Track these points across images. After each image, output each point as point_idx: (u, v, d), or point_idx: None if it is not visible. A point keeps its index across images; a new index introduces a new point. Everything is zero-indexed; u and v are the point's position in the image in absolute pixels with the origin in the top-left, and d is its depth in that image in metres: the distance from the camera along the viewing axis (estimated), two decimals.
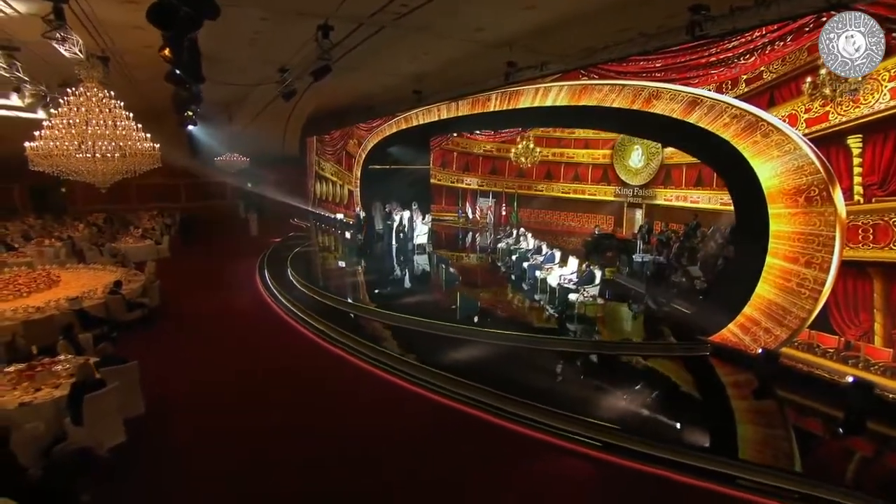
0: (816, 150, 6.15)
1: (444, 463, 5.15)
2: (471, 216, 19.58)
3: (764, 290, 6.85)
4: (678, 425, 5.77)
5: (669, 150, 14.52)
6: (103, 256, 12.85)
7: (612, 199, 16.68)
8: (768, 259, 6.76)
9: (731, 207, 12.32)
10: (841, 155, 5.94)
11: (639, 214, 15.63)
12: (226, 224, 22.09)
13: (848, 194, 5.92)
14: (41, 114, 16.72)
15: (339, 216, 20.28)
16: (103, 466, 4.76)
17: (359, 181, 18.46)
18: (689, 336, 7.86)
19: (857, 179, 5.84)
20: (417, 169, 18.78)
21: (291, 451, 5.29)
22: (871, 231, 5.75)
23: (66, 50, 8.06)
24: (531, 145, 16.81)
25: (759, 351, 6.69)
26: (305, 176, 24.23)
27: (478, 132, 18.20)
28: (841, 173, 5.95)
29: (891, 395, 5.60)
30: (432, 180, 19.48)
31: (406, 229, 14.61)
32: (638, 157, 15.65)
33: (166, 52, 7.00)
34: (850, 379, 5.79)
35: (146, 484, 4.80)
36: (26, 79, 10.21)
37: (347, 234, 17.80)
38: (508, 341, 8.04)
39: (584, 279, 8.85)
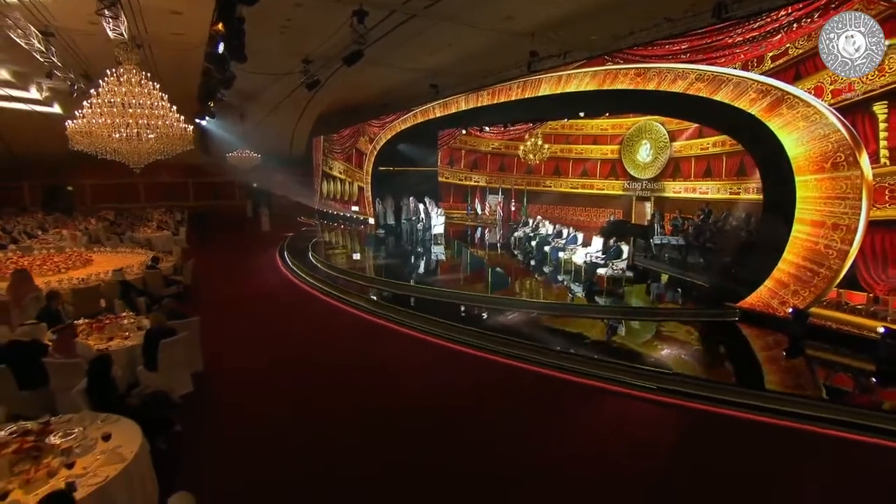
0: (842, 117, 6.53)
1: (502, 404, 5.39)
2: (480, 212, 19.85)
3: (791, 254, 7.19)
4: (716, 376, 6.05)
5: (678, 143, 14.99)
6: (123, 244, 12.92)
7: (620, 193, 17.06)
8: (795, 225, 7.11)
9: (740, 197, 12.94)
10: (867, 121, 6.34)
11: (648, 207, 16.02)
12: (235, 221, 22.21)
13: (874, 158, 6.30)
14: (56, 108, 16.83)
15: (354, 209, 20.54)
16: (178, 409, 4.91)
17: (370, 177, 18.70)
18: (717, 304, 8.17)
19: (882, 143, 6.23)
20: (427, 165, 19.13)
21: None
22: None
23: (112, 29, 8.29)
24: (539, 142, 17.12)
25: (790, 311, 7.00)
26: (312, 175, 24.46)
27: (486, 129, 18.53)
28: (867, 138, 6.33)
29: None
30: (440, 178, 19.75)
31: (424, 221, 14.89)
32: (646, 152, 16.08)
33: (219, 26, 7.30)
34: (882, 330, 6.10)
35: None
36: (59, 64, 10.40)
37: (371, 221, 18.09)
38: (548, 310, 8.38)
39: (613, 254, 9.17)
